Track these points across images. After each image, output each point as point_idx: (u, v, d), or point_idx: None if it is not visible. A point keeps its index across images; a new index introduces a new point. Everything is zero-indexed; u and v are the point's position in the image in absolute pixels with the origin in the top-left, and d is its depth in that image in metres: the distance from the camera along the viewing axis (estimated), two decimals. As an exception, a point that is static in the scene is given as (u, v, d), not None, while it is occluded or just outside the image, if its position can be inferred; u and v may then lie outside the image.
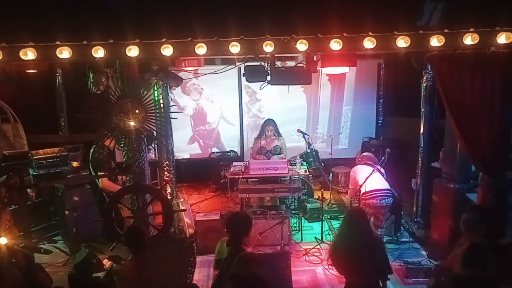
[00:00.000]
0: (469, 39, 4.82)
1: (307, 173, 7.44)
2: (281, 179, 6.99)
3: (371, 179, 6.15)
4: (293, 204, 7.95)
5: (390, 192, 6.25)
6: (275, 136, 7.74)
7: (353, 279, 4.25)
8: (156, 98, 6.23)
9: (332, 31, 4.93)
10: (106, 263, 4.83)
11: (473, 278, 3.28)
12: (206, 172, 9.76)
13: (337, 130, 10.18)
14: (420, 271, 5.79)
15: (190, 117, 10.01)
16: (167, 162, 7.07)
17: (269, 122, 7.82)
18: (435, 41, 4.86)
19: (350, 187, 6.72)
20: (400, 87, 8.95)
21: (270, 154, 7.66)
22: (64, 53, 4.79)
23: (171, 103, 6.71)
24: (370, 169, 6.39)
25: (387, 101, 10.03)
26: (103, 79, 5.44)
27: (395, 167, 7.64)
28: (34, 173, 7.19)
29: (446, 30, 4.90)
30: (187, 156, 9.89)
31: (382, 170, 6.38)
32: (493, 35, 4.83)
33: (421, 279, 5.63)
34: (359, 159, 6.80)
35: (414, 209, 7.31)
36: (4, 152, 6.36)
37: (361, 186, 6.13)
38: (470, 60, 4.99)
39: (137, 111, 4.97)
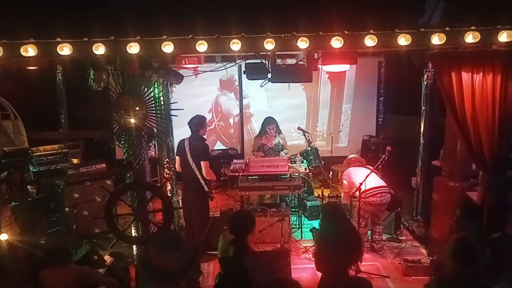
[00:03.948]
0: (470, 37, 4.80)
1: (307, 171, 7.44)
2: (281, 176, 6.99)
3: (368, 178, 6.16)
4: (293, 202, 7.95)
5: (388, 189, 6.28)
6: (276, 133, 7.75)
7: (331, 274, 4.32)
8: (157, 96, 6.23)
9: (333, 29, 4.92)
10: (108, 259, 4.85)
11: (461, 273, 3.30)
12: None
13: (337, 128, 10.18)
14: (420, 269, 5.79)
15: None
16: (167, 160, 7.07)
17: (270, 120, 7.83)
18: (436, 39, 4.84)
19: (344, 191, 6.73)
20: (400, 85, 8.95)
21: (272, 151, 7.67)
22: (65, 49, 4.77)
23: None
24: (363, 169, 6.43)
25: (387, 99, 10.03)
26: (104, 76, 5.43)
27: (395, 165, 7.65)
28: (34, 170, 7.21)
29: (447, 28, 4.88)
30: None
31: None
32: (495, 33, 4.81)
33: (420, 277, 5.64)
34: (351, 160, 6.84)
35: (414, 207, 7.31)
36: (5, 148, 6.37)
37: (360, 185, 6.12)
38: (471, 58, 4.98)
39: (137, 108, 4.95)
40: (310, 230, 6.68)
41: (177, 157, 6.48)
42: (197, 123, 6.24)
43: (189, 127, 6.32)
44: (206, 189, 6.22)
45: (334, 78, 9.91)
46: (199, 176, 6.15)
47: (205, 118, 6.43)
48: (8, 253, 4.02)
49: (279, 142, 7.73)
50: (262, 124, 8.01)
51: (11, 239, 4.09)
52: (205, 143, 6.30)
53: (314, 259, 4.51)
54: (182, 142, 6.36)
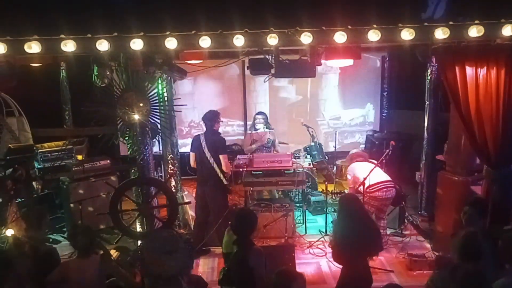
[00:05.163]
0: (474, 31, 4.78)
1: (311, 166, 7.45)
2: (285, 172, 6.99)
3: (373, 173, 6.16)
4: (297, 197, 7.96)
5: (392, 183, 6.27)
6: (265, 129, 7.77)
7: (350, 266, 4.35)
8: (160, 92, 6.24)
9: (337, 24, 4.91)
10: (114, 253, 4.88)
11: (469, 271, 3.30)
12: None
13: (341, 123, 10.18)
14: (424, 263, 5.79)
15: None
16: (171, 155, 7.10)
17: (258, 112, 8.00)
18: (440, 33, 4.83)
19: (349, 186, 6.72)
20: (404, 80, 8.94)
21: (263, 147, 7.70)
22: (69, 46, 4.79)
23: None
24: (367, 164, 6.41)
25: (391, 94, 10.00)
26: (108, 72, 5.44)
27: (399, 160, 7.65)
28: (39, 166, 7.25)
29: (451, 22, 4.87)
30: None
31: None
32: (498, 27, 4.80)
33: (425, 271, 5.64)
34: (354, 155, 6.82)
35: (419, 202, 7.31)
36: (10, 145, 6.40)
37: (364, 180, 6.11)
38: (475, 52, 4.98)
39: (141, 104, 4.98)
40: (332, 222, 6.74)
41: (192, 153, 6.47)
42: (211, 117, 6.30)
43: (204, 122, 6.38)
44: (225, 182, 6.28)
45: (337, 73, 9.90)
46: (218, 170, 6.20)
47: (219, 113, 6.46)
48: (14, 247, 4.06)
49: (269, 138, 7.75)
50: (252, 119, 8.09)
51: (17, 234, 4.13)
52: (222, 136, 6.39)
53: (333, 252, 4.53)
54: (197, 137, 6.38)
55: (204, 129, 6.41)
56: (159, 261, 3.05)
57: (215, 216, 6.20)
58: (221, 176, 6.24)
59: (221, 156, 6.20)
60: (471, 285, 3.21)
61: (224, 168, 6.23)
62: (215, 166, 6.19)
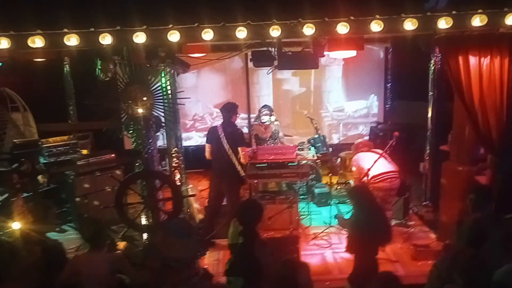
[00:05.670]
0: (477, 21, 4.77)
1: (315, 158, 7.45)
2: (289, 164, 7.00)
3: (377, 163, 6.15)
4: (301, 189, 7.98)
5: (397, 173, 6.27)
6: (270, 121, 7.80)
7: (364, 257, 4.40)
8: (164, 85, 6.25)
9: (339, 15, 4.91)
10: (122, 244, 4.91)
11: (470, 257, 3.32)
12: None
13: (344, 115, 10.17)
14: (429, 253, 5.79)
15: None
16: (175, 149, 7.12)
17: (264, 106, 8.03)
18: (443, 23, 4.81)
19: (354, 177, 6.71)
20: (407, 70, 8.90)
21: (270, 139, 7.76)
22: (72, 40, 4.81)
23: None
24: (372, 154, 6.40)
25: (395, 85, 9.97)
26: (111, 66, 5.46)
27: (403, 151, 7.62)
28: (44, 161, 7.28)
29: (454, 12, 4.85)
30: (194, 143, 9.92)
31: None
32: (502, 16, 4.78)
33: (429, 261, 5.62)
34: (359, 145, 6.81)
35: (423, 192, 7.30)
36: (15, 140, 6.44)
37: (368, 171, 6.12)
38: (478, 41, 4.97)
39: (145, 98, 4.99)
40: (335, 217, 6.75)
41: (207, 145, 6.52)
42: (229, 109, 6.39)
43: (221, 113, 6.45)
44: (243, 174, 6.38)
45: (340, 64, 9.88)
46: (236, 162, 6.27)
47: (237, 106, 6.53)
48: (21, 240, 4.10)
49: (275, 129, 7.79)
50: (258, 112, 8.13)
51: (23, 227, 4.16)
52: (240, 128, 6.50)
53: (347, 243, 4.58)
54: (215, 129, 6.42)
55: (212, 121, 6.44)
56: (175, 245, 3.09)
57: (232, 207, 6.24)
58: (239, 167, 6.32)
59: (240, 149, 6.30)
60: (472, 271, 3.23)
61: (243, 159, 6.33)
62: (233, 158, 6.26)
